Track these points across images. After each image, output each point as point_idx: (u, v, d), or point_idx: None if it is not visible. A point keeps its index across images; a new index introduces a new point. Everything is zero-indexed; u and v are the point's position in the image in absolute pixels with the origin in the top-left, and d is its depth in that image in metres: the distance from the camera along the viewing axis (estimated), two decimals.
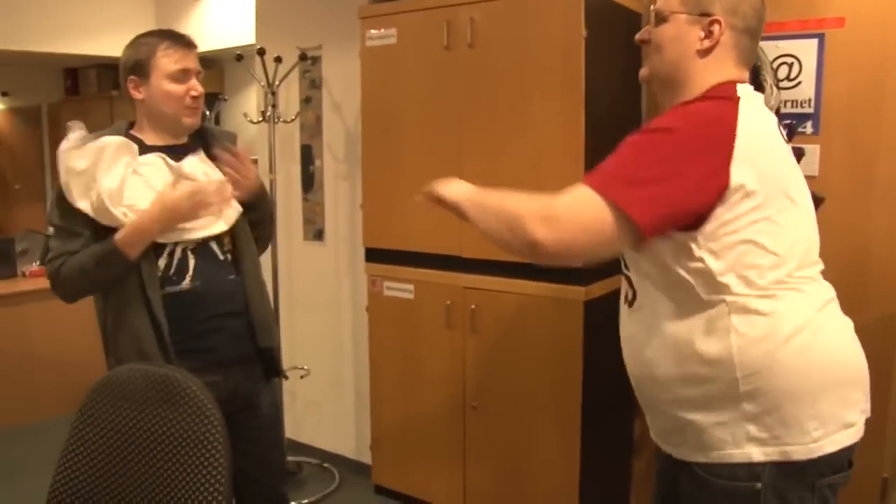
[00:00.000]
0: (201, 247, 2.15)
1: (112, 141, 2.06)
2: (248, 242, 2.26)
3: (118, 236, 2.01)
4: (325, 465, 3.83)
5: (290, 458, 3.77)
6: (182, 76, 2.09)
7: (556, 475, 2.88)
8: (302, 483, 3.67)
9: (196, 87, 2.12)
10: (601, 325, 2.87)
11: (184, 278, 2.11)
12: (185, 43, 2.12)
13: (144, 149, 2.12)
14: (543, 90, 2.75)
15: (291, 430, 4.05)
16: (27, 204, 9.04)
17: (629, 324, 1.82)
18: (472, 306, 3.01)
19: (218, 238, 2.18)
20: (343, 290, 3.70)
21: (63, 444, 1.81)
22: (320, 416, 3.93)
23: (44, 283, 4.58)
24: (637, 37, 1.76)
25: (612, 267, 2.93)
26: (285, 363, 3.87)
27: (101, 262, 2.02)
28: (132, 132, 2.16)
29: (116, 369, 1.81)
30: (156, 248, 2.07)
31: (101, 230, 2.05)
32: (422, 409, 3.25)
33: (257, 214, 2.29)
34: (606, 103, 2.85)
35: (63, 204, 2.06)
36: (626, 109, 3.07)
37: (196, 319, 2.12)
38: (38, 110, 8.69)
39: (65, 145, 2.09)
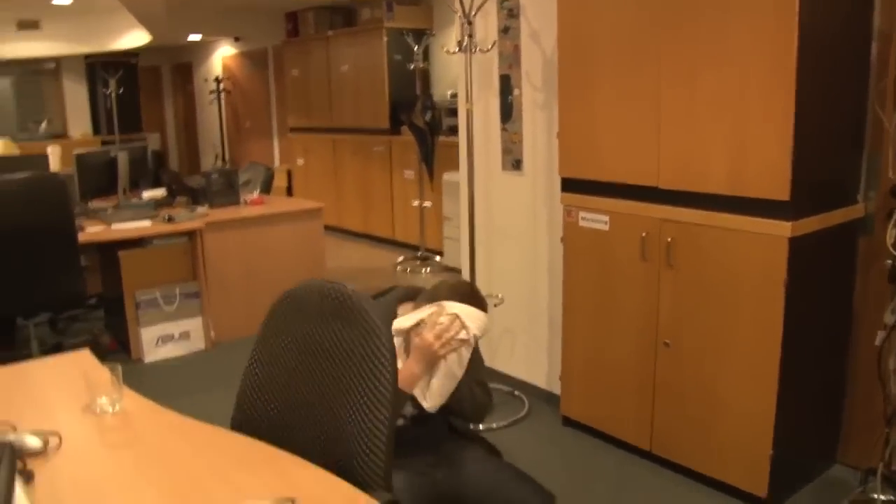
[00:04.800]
0: None
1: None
2: None
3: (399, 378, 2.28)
4: (516, 392, 3.88)
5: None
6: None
7: (750, 420, 2.72)
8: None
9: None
10: (808, 263, 2.65)
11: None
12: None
13: None
14: (751, 17, 2.51)
15: (486, 357, 4.12)
16: (256, 139, 9.79)
17: None
18: (668, 239, 2.88)
19: None
20: (540, 220, 3.68)
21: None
22: (514, 345, 3.97)
23: (261, 210, 5.00)
24: None
25: (823, 201, 2.70)
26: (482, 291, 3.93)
27: None
28: None
29: (297, 286, 1.92)
30: None
31: None
32: (613, 343, 3.18)
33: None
34: (825, 34, 2.56)
35: None
36: (851, 42, 2.74)
37: None
38: (264, 53, 9.31)
39: None
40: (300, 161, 8.60)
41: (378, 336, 1.73)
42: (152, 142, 10.83)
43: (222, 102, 9.97)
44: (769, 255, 2.58)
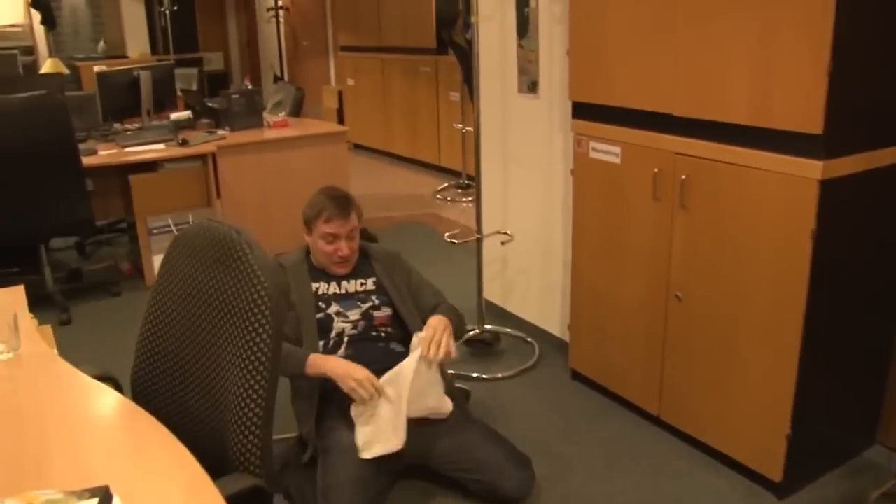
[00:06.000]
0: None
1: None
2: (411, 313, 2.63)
3: (312, 357, 2.38)
4: (528, 339, 3.56)
5: (489, 327, 3.56)
6: (333, 239, 2.51)
7: (766, 391, 2.34)
8: (499, 356, 3.45)
9: (342, 248, 2.52)
10: (845, 211, 2.21)
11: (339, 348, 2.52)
12: (341, 213, 2.51)
13: (312, 269, 2.62)
14: None
15: (500, 297, 3.83)
16: (313, 58, 9.51)
17: None
18: (683, 176, 2.47)
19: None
20: (555, 150, 3.28)
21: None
22: (528, 286, 3.63)
23: (280, 133, 4.73)
24: None
25: (869, 137, 2.23)
26: (490, 226, 3.62)
27: (286, 358, 2.32)
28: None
29: (189, 227, 1.65)
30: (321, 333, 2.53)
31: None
32: (622, 294, 2.82)
33: None
34: None
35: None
36: None
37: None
38: None
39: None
40: (350, 81, 8.29)
41: (257, 286, 1.45)
42: (214, 61, 10.69)
43: (281, 20, 9.68)
44: (796, 199, 2.16)
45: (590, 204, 2.90)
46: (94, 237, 5.23)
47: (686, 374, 2.61)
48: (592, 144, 2.82)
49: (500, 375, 3.28)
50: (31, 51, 8.52)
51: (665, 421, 2.74)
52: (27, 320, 2.04)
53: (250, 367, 1.44)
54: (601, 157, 2.80)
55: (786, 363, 2.27)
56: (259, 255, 1.48)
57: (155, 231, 4.32)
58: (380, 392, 2.30)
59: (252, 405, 1.44)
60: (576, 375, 3.18)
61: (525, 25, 3.28)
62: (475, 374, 3.27)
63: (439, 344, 2.35)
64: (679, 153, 2.47)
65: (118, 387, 1.89)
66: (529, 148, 3.43)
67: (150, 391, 1.73)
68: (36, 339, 1.90)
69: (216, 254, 1.54)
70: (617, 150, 2.72)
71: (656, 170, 2.56)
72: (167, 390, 1.69)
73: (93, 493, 1.20)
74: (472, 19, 3.15)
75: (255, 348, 1.44)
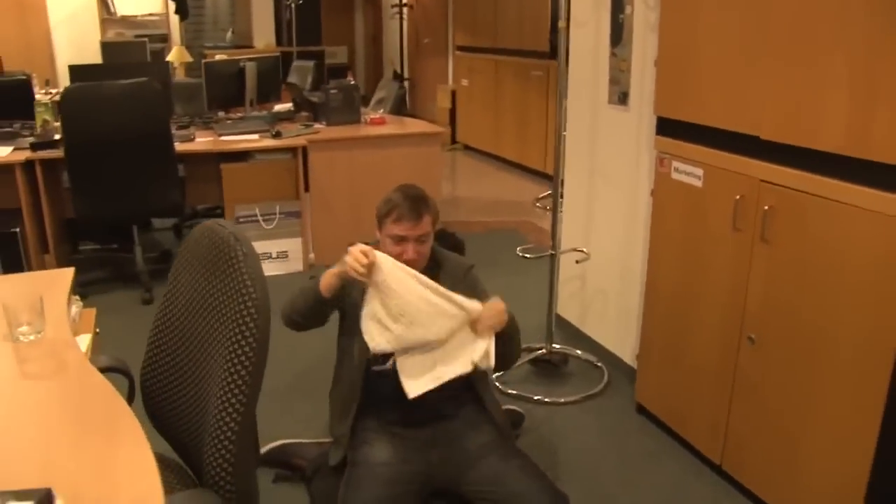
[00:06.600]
0: None
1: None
2: None
3: (323, 275, 2.31)
4: (599, 363, 3.36)
5: (557, 347, 3.38)
6: (400, 241, 2.30)
7: (843, 453, 2.07)
8: (565, 378, 3.27)
9: (408, 251, 2.29)
10: None
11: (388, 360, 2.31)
12: (412, 215, 2.29)
13: None
14: None
15: (576, 317, 3.64)
16: (432, 57, 9.49)
17: None
18: (766, 206, 2.22)
19: None
20: (642, 167, 3.07)
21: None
22: (606, 308, 3.43)
23: (374, 130, 4.69)
24: None
25: None
26: (570, 242, 3.45)
27: (303, 290, 2.34)
28: None
29: (196, 228, 1.58)
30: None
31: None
32: (692, 329, 2.59)
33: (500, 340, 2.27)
34: None
35: None
36: None
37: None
38: None
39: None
40: (465, 82, 8.21)
41: (245, 297, 1.36)
42: (339, 55, 10.86)
43: (404, 17, 9.73)
44: (894, 242, 1.89)
45: (668, 229, 2.69)
46: (190, 221, 5.37)
47: (754, 424, 2.36)
48: (675, 164, 2.60)
49: (561, 400, 3.10)
50: (165, 38, 8.90)
51: (727, 472, 2.50)
52: (63, 304, 2.05)
53: (230, 380, 1.36)
54: (683, 178, 2.58)
55: (866, 425, 2.00)
56: (252, 265, 1.39)
57: (241, 220, 4.37)
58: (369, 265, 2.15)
59: (228, 419, 1.36)
60: (641, 409, 2.96)
61: (619, 33, 3.08)
62: (536, 397, 3.10)
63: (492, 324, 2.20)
64: (764, 181, 2.23)
65: (130, 381, 1.87)
66: (616, 163, 3.23)
67: (152, 390, 1.69)
68: (62, 324, 1.89)
69: (213, 258, 1.47)
70: (700, 172, 2.49)
71: (738, 197, 2.32)
72: (165, 392, 1.64)
73: (33, 495, 1.14)
74: (560, 24, 2.98)
75: (236, 361, 1.36)
